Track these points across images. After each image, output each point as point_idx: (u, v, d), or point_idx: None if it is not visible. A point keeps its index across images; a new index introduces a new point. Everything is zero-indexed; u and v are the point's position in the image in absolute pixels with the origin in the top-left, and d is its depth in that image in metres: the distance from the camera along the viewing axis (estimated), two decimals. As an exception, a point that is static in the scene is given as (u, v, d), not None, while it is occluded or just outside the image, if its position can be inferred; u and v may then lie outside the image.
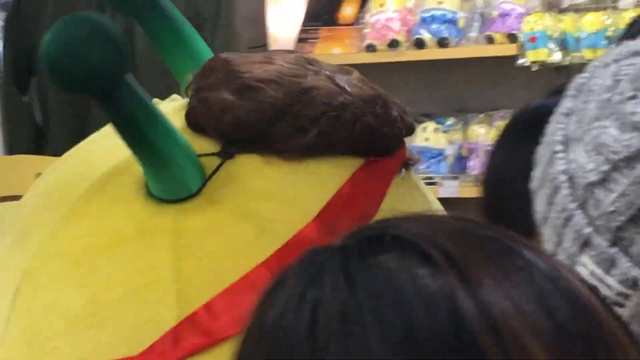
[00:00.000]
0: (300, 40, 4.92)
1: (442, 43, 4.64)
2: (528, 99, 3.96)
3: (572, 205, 0.97)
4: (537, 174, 1.04)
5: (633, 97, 0.94)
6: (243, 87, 1.32)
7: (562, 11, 4.58)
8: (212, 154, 1.36)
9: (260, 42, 4.97)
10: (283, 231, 1.32)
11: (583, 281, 0.71)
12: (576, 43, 4.56)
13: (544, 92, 3.71)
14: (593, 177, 0.95)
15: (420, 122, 4.71)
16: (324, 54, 4.73)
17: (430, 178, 4.61)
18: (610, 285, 0.96)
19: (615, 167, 0.94)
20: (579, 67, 3.32)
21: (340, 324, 0.67)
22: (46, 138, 5.16)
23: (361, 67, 3.65)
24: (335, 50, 4.86)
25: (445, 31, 4.65)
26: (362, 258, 0.70)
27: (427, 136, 4.71)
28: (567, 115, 1.01)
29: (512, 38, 4.56)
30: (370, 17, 4.80)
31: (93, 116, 4.72)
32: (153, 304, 1.28)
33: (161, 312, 1.27)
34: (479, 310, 0.66)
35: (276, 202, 1.36)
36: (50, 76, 1.26)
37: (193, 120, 1.36)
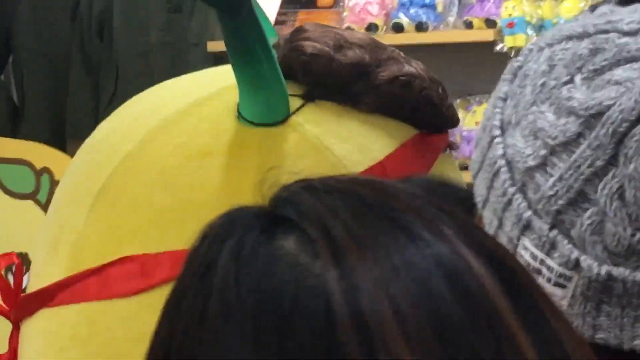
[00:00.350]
0: (278, 22, 4.85)
1: (420, 27, 4.65)
2: None
3: (512, 190, 0.98)
4: (475, 157, 1.05)
5: (568, 82, 0.96)
6: (336, 43, 1.49)
7: None
8: (298, 95, 1.54)
9: None
10: (349, 170, 1.51)
11: (486, 263, 0.67)
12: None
13: None
14: (531, 162, 0.97)
15: None
16: None
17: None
18: (551, 267, 0.97)
19: (553, 151, 0.96)
20: None
21: (223, 319, 0.67)
22: (23, 117, 5.19)
23: None
24: None
25: (423, 15, 4.65)
26: (255, 245, 0.69)
27: None
28: (503, 99, 1.01)
29: (490, 23, 4.57)
30: (349, 1, 4.81)
31: (70, 96, 5.02)
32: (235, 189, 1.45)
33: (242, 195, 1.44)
34: (348, 303, 0.64)
35: (348, 144, 1.53)
36: None
37: (286, 63, 1.49)
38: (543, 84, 0.98)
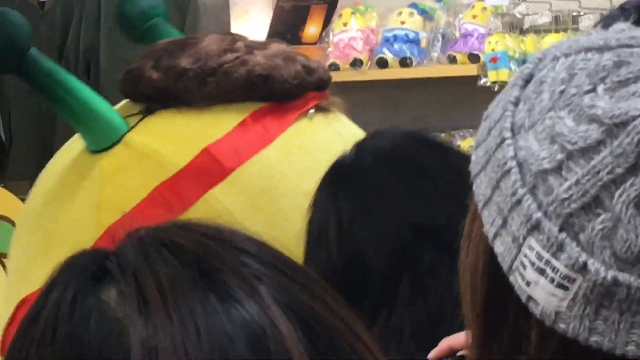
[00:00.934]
0: None
1: (404, 63, 4.65)
2: None
3: (522, 190, 0.99)
4: (478, 158, 1.06)
5: (590, 91, 0.97)
6: (157, 59, 1.75)
7: (523, 32, 4.60)
8: (137, 113, 1.77)
9: None
10: (179, 163, 1.72)
11: (297, 323, 0.69)
12: None
13: None
14: (547, 165, 0.98)
15: None
16: None
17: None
18: (556, 267, 0.98)
19: (570, 156, 0.97)
20: None
21: None
22: (10, 157, 5.27)
23: None
24: None
25: (407, 51, 4.66)
26: (78, 296, 0.71)
27: None
28: (514, 103, 1.02)
29: (473, 58, 4.58)
30: (334, 37, 4.82)
31: (57, 133, 4.87)
32: (83, 215, 1.79)
33: (86, 220, 1.80)
34: (145, 351, 0.66)
35: (176, 142, 1.74)
36: None
37: (122, 90, 1.79)
38: (562, 91, 0.99)
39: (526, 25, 4.60)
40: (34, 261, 1.87)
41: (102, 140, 1.81)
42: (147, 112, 1.85)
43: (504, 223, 1.02)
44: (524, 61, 4.51)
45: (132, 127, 1.83)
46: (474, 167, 1.08)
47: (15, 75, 1.87)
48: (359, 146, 1.74)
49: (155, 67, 1.82)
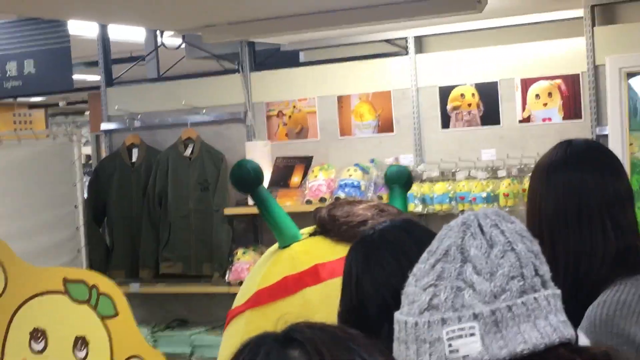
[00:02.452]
0: None
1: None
2: None
3: (426, 323, 1.31)
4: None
5: (422, 278, 1.36)
6: (331, 208, 2.34)
7: (422, 181, 5.57)
8: (311, 234, 2.37)
9: (243, 198, 5.91)
10: (301, 268, 2.28)
11: None
12: (431, 200, 5.50)
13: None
14: (427, 300, 1.32)
15: None
16: (280, 205, 4.87)
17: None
18: (465, 327, 1.30)
19: (434, 286, 1.33)
20: (433, 215, 4.87)
21: None
22: (112, 255, 6.18)
23: (302, 215, 4.88)
24: (287, 204, 5.66)
25: (353, 192, 5.56)
26: (280, 349, 0.94)
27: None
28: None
29: None
30: (309, 183, 5.73)
31: (142, 241, 6.07)
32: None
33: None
34: None
35: (310, 255, 2.29)
36: (232, 181, 2.44)
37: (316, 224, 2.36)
38: (415, 283, 1.36)
39: (424, 177, 5.59)
40: (243, 294, 2.42)
41: (281, 242, 2.34)
42: (312, 234, 2.35)
43: (431, 345, 1.30)
44: (423, 199, 5.50)
45: (297, 240, 2.35)
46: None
47: (249, 194, 2.54)
48: (373, 228, 1.92)
49: (328, 212, 2.32)
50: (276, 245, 2.51)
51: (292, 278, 2.41)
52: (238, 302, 2.48)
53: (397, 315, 1.34)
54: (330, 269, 2.32)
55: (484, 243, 1.30)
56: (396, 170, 2.84)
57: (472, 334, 1.27)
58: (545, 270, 1.34)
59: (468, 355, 1.27)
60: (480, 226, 1.32)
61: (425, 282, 1.30)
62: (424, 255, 1.36)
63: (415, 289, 1.32)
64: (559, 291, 1.35)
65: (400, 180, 2.79)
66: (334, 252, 2.33)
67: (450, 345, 1.27)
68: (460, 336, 1.27)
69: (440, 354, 1.28)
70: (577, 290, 1.97)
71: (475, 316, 1.27)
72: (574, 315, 1.42)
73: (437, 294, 1.28)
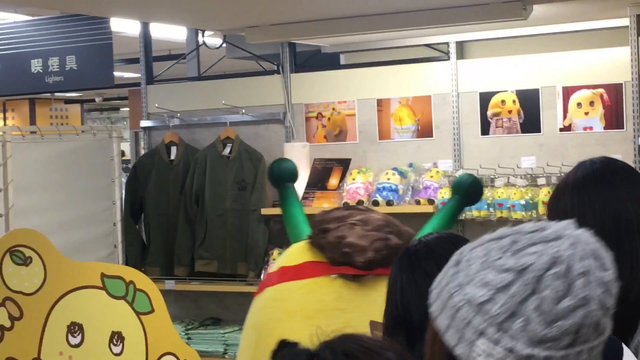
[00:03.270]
0: (304, 198, 5.72)
1: (389, 203, 5.48)
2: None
3: (471, 315, 1.28)
4: (437, 306, 1.34)
5: (500, 257, 1.28)
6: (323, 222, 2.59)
7: None
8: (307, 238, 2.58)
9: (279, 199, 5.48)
10: (286, 264, 2.58)
11: None
12: (469, 206, 4.71)
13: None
14: (483, 299, 1.27)
15: None
16: (318, 207, 5.57)
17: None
18: (496, 354, 1.26)
19: (496, 292, 1.26)
20: (470, 221, 4.82)
21: None
22: (148, 252, 6.17)
23: None
24: (324, 205, 5.59)
25: (390, 196, 5.51)
26: None
27: None
28: (453, 275, 1.31)
29: (430, 202, 5.41)
30: (346, 186, 5.69)
31: (177, 239, 6.03)
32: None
33: None
34: None
35: (289, 256, 2.58)
36: (268, 176, 2.88)
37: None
38: (484, 261, 1.29)
39: None
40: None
41: (292, 240, 2.57)
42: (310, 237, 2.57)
43: (461, 337, 1.28)
44: None
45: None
46: (434, 313, 1.33)
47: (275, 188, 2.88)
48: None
49: (320, 226, 2.54)
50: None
51: (269, 274, 2.65)
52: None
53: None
54: (290, 273, 2.42)
55: (561, 290, 1.26)
56: (458, 180, 2.84)
57: None
58: (606, 324, 1.31)
59: None
60: (569, 269, 1.27)
61: (491, 280, 1.28)
62: (498, 244, 1.32)
63: (481, 273, 1.30)
64: (604, 338, 1.31)
65: (459, 190, 2.80)
66: (297, 258, 2.45)
67: (476, 357, 1.27)
68: (490, 355, 1.27)
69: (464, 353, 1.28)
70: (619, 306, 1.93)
71: (511, 351, 1.25)
72: (615, 329, 1.37)
73: (494, 300, 1.26)
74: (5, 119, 15.79)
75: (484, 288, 1.27)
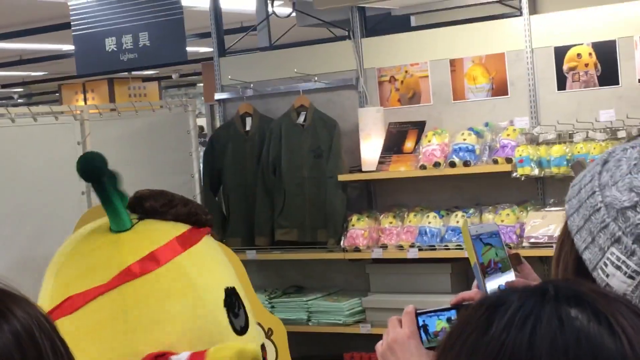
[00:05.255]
0: (380, 162, 5.75)
1: (466, 164, 5.44)
2: (519, 196, 5.25)
3: (608, 219, 1.20)
4: (572, 204, 1.26)
5: None
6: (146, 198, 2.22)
7: (538, 144, 5.36)
8: (138, 218, 2.22)
9: (356, 164, 5.92)
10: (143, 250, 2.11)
11: None
12: (547, 163, 5.32)
13: (527, 192, 4.96)
14: (626, 204, 1.18)
15: (453, 211, 5.60)
16: (395, 171, 5.66)
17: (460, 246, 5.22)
18: (629, 265, 1.18)
19: None
20: (550, 178, 4.80)
21: (549, 346, 0.82)
22: (229, 223, 6.22)
23: (416, 180, 5.17)
24: (401, 169, 5.67)
25: (467, 156, 5.48)
26: (563, 307, 0.86)
27: (457, 220, 5.52)
28: (599, 173, 1.22)
29: (508, 160, 5.34)
30: (422, 148, 5.67)
31: (256, 209, 6.08)
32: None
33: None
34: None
35: (143, 238, 2.14)
36: (78, 171, 2.14)
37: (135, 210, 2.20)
38: (636, 164, 1.20)
39: (540, 140, 5.40)
40: None
41: (122, 227, 2.18)
42: (140, 218, 2.25)
43: (593, 240, 1.21)
44: (539, 162, 5.29)
45: (136, 224, 2.22)
46: (568, 211, 1.26)
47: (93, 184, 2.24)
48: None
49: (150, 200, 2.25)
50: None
51: None
52: None
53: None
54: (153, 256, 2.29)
55: None
56: None
57: (630, 276, 1.18)
58: None
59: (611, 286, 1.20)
60: None
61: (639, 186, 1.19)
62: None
63: (629, 177, 1.21)
64: None
65: None
66: (163, 235, 2.29)
67: (605, 264, 1.20)
68: (619, 267, 1.19)
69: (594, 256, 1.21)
70: None
71: None
72: None
73: (638, 208, 1.19)
74: (85, 99, 16.04)
75: (630, 193, 1.20)
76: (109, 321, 2.06)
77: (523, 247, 5.32)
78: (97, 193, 2.19)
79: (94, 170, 2.16)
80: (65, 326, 1.90)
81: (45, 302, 2.10)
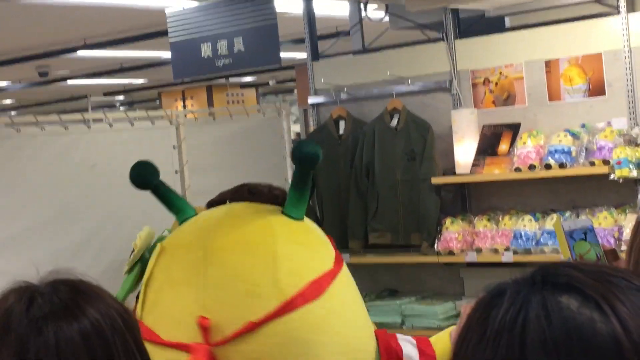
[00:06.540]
0: (474, 165, 5.70)
1: (562, 166, 5.37)
2: (617, 198, 5.10)
3: None
4: None
5: None
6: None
7: (637, 145, 5.27)
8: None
9: (450, 167, 5.84)
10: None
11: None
12: None
13: (625, 195, 4.82)
14: None
15: (548, 214, 5.51)
16: (489, 173, 5.59)
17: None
18: None
19: None
20: None
21: (540, 345, 0.83)
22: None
23: (510, 183, 5.06)
24: (495, 171, 5.61)
25: (563, 158, 5.39)
26: (552, 296, 0.86)
27: (554, 222, 4.65)
28: None
29: (605, 162, 5.26)
30: (517, 151, 5.61)
31: (350, 212, 6.07)
32: None
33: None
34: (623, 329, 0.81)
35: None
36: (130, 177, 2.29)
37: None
38: None
39: (639, 141, 5.27)
40: None
41: (300, 215, 2.39)
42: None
43: None
44: (638, 163, 5.19)
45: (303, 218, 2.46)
46: None
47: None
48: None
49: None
50: None
51: None
52: None
53: None
54: None
55: None
56: None
57: None
58: None
59: None
60: None
61: None
62: None
63: None
64: None
65: None
66: None
67: None
68: None
69: None
70: None
71: None
72: None
73: None
74: (185, 106, 16.26)
75: None
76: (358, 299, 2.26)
77: (622, 251, 5.11)
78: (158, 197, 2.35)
79: (145, 178, 2.31)
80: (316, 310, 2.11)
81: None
